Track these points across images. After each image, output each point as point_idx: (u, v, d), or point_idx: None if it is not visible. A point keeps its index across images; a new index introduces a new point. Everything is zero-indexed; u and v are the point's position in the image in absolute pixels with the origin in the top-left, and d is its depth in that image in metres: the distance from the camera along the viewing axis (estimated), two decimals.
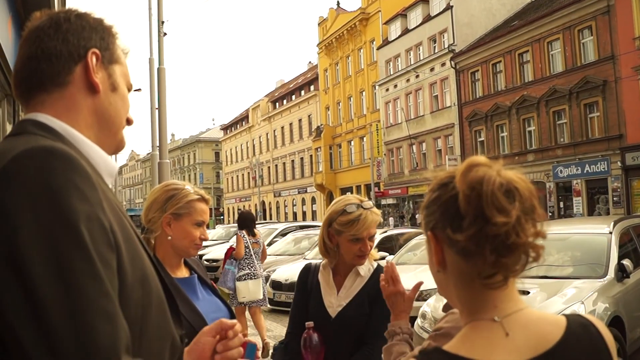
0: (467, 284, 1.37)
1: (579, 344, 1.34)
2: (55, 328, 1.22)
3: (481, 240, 1.30)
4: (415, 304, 9.91)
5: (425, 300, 10.00)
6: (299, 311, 3.53)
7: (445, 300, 3.72)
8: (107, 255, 1.35)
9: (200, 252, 24.50)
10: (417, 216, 46.73)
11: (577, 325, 1.38)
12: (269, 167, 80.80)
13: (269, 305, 15.50)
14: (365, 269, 3.45)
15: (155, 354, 1.51)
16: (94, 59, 1.61)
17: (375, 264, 3.51)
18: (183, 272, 3.11)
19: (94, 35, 1.63)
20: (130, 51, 1.79)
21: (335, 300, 3.41)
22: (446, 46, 46.47)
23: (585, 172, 34.95)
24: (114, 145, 1.71)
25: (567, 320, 1.38)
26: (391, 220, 48.40)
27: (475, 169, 1.34)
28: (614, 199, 33.29)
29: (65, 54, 1.57)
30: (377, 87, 56.06)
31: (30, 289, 1.24)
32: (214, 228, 37.54)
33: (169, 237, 3.00)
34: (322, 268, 3.55)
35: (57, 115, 1.55)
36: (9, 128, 8.35)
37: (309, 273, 3.62)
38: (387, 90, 54.23)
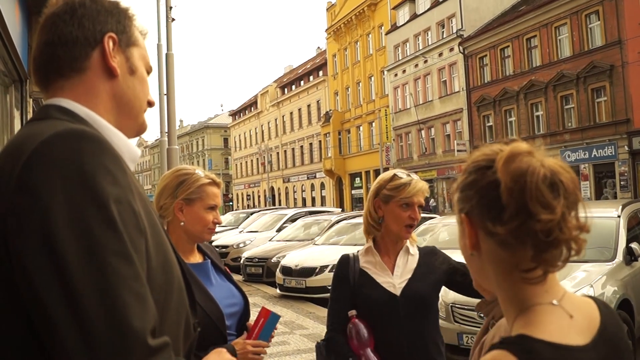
0: (506, 272, 1.33)
1: (612, 322, 1.37)
2: (87, 308, 1.24)
3: (522, 235, 1.25)
4: None
5: None
6: (341, 305, 3.31)
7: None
8: (137, 238, 1.37)
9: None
10: (430, 201, 46.82)
11: (603, 306, 1.40)
12: (277, 153, 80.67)
13: (279, 291, 15.57)
14: (413, 248, 3.40)
15: (173, 339, 1.48)
16: (111, 43, 1.60)
17: (415, 246, 3.45)
18: (196, 258, 3.09)
19: (110, 18, 1.62)
20: (148, 32, 1.77)
21: (392, 279, 3.28)
22: (454, 31, 46.36)
23: (592, 156, 34.99)
24: (135, 129, 1.71)
25: (594, 301, 1.40)
26: None
27: (519, 159, 1.28)
28: (621, 183, 33.34)
29: (82, 39, 1.57)
30: (385, 72, 55.92)
31: (63, 269, 1.25)
32: (223, 214, 37.45)
33: (182, 223, 2.98)
34: (364, 254, 3.39)
35: (77, 101, 1.55)
36: (17, 113, 8.26)
37: (348, 264, 3.39)
38: (396, 75, 54.15)
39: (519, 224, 1.25)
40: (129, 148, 1.60)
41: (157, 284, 1.45)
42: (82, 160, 1.33)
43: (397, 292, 3.23)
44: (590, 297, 1.42)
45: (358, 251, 3.44)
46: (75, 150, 1.34)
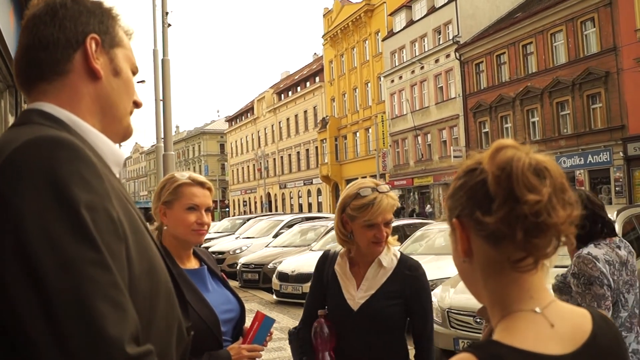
0: (496, 272, 1.32)
1: (606, 335, 1.35)
2: (62, 318, 1.21)
3: (512, 221, 1.25)
4: None
5: (431, 290, 10.11)
6: (313, 300, 3.36)
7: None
8: (115, 245, 1.33)
9: (205, 245, 23.45)
10: (426, 207, 46.87)
11: (599, 318, 1.38)
12: (274, 159, 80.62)
13: (275, 297, 15.55)
14: (388, 259, 3.24)
15: (163, 346, 1.48)
16: (93, 45, 1.56)
17: (398, 254, 3.30)
18: (193, 264, 3.05)
19: (92, 19, 1.58)
20: (134, 32, 1.73)
21: (355, 293, 3.21)
22: (451, 38, 46.51)
23: (588, 162, 35.07)
24: (121, 132, 1.67)
25: (590, 312, 1.38)
26: None
27: (504, 151, 1.31)
28: (616, 189, 33.43)
29: (63, 41, 1.53)
30: (382, 78, 56.00)
31: (37, 279, 1.22)
32: (220, 220, 37.30)
33: (165, 227, 2.96)
34: (340, 257, 3.34)
35: (60, 104, 1.52)
36: (11, 120, 8.07)
37: (325, 262, 3.39)
38: (392, 81, 54.22)
39: (508, 211, 1.26)
40: (113, 151, 1.57)
41: (142, 290, 1.42)
42: (56, 168, 1.30)
43: (355, 307, 3.17)
44: (586, 307, 1.42)
45: (342, 249, 3.38)
46: (49, 157, 1.31)
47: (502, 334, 1.28)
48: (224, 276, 3.21)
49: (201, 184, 3.03)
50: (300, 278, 14.75)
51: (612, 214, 9.89)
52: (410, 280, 3.21)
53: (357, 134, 61.19)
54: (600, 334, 1.33)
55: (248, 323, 3.11)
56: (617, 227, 9.41)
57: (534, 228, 1.25)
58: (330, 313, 3.24)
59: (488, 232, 1.29)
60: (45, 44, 1.53)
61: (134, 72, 1.70)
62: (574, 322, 1.33)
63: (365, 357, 3.15)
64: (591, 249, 3.83)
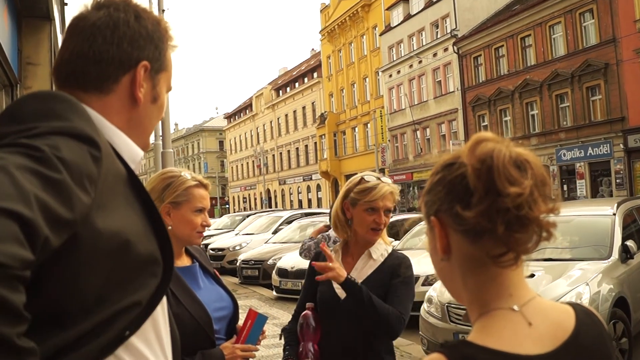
0: (476, 269, 1.29)
1: (589, 333, 1.32)
2: None
3: (493, 215, 1.22)
4: (421, 288, 10.08)
5: (431, 285, 10.07)
6: (305, 295, 3.49)
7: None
8: (81, 187, 1.23)
9: (205, 242, 23.40)
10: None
11: (583, 314, 1.35)
12: (273, 155, 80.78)
13: (275, 293, 15.57)
14: (378, 253, 3.37)
15: (91, 345, 1.30)
16: (142, 72, 1.54)
17: (389, 249, 3.43)
18: (184, 261, 3.03)
19: (149, 44, 1.55)
20: (178, 46, 1.70)
21: None
22: (448, 31, 46.45)
23: (588, 154, 35.06)
24: (139, 146, 1.64)
25: (574, 309, 1.35)
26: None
27: (484, 144, 1.28)
28: (617, 181, 33.43)
29: (117, 61, 1.50)
30: (380, 73, 55.99)
31: None
32: (220, 217, 37.34)
33: (169, 227, 2.83)
34: (333, 253, 3.40)
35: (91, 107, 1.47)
36: None
37: (319, 259, 3.49)
38: (390, 76, 54.21)
39: (489, 204, 1.22)
40: (129, 148, 1.54)
41: (100, 267, 1.31)
42: (49, 118, 1.28)
43: (342, 295, 3.26)
44: (571, 303, 1.38)
45: (332, 249, 3.48)
46: (43, 109, 1.30)
47: (477, 334, 1.26)
48: (217, 273, 3.18)
49: (205, 186, 3.04)
50: (300, 274, 14.70)
51: (612, 207, 9.88)
52: (394, 270, 3.32)
53: (356, 129, 61.22)
54: (583, 332, 1.31)
55: (242, 321, 3.07)
56: (618, 220, 9.44)
57: (515, 222, 1.23)
58: (319, 303, 3.37)
59: (468, 227, 1.26)
60: (99, 60, 1.49)
61: (168, 90, 1.68)
62: (555, 319, 1.30)
63: (350, 346, 3.23)
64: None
